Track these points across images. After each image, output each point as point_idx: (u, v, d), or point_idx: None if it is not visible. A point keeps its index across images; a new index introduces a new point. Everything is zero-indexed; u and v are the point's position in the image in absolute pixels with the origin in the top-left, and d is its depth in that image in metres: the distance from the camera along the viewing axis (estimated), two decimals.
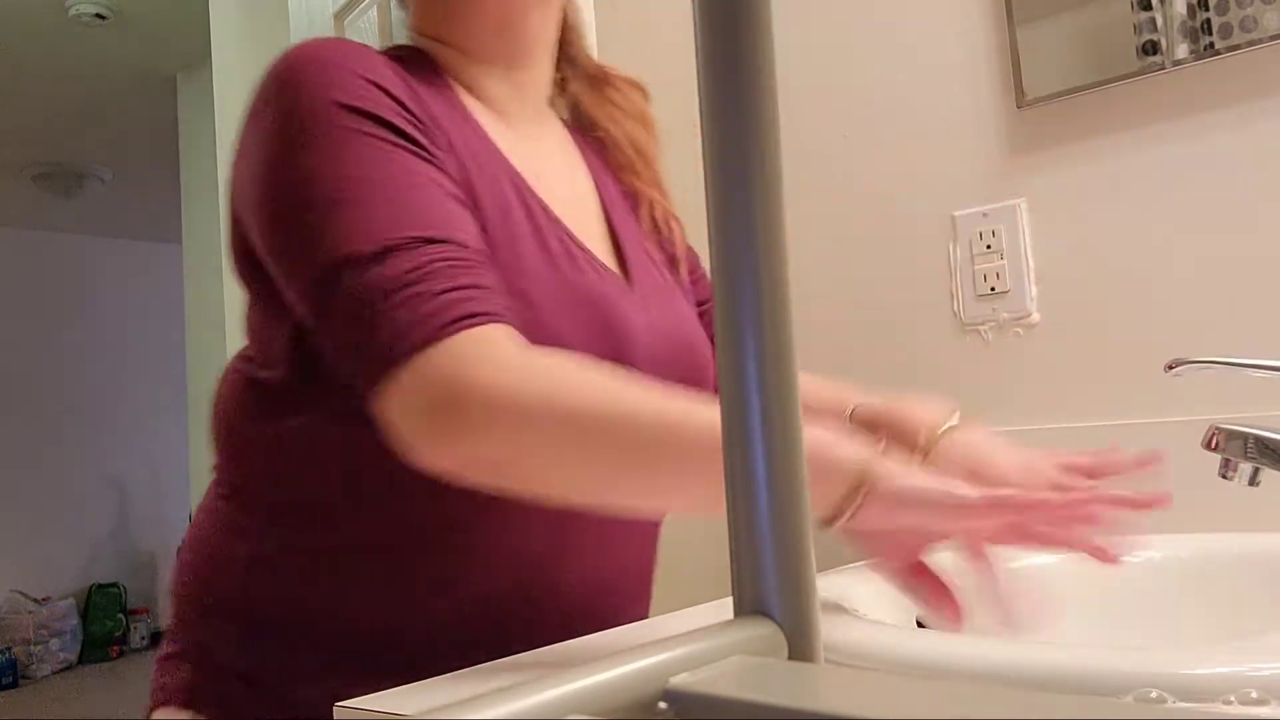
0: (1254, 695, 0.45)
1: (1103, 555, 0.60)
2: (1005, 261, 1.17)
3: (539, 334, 0.66)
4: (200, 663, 0.74)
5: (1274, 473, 0.77)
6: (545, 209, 0.77)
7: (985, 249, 1.19)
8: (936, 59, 1.24)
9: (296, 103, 0.65)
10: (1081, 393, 1.12)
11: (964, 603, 0.62)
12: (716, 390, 0.29)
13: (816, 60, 1.35)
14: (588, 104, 0.93)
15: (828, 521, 0.59)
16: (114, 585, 5.55)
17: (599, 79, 0.93)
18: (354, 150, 0.64)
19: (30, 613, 5.07)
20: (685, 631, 0.26)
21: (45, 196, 4.91)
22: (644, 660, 0.25)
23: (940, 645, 0.55)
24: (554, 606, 0.75)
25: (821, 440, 0.59)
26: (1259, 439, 0.78)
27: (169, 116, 3.79)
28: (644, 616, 0.84)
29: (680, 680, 0.24)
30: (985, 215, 1.19)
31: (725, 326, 0.28)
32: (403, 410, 0.59)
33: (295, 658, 0.71)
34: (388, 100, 0.67)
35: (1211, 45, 1.03)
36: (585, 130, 0.93)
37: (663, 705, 0.24)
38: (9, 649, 4.93)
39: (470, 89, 0.80)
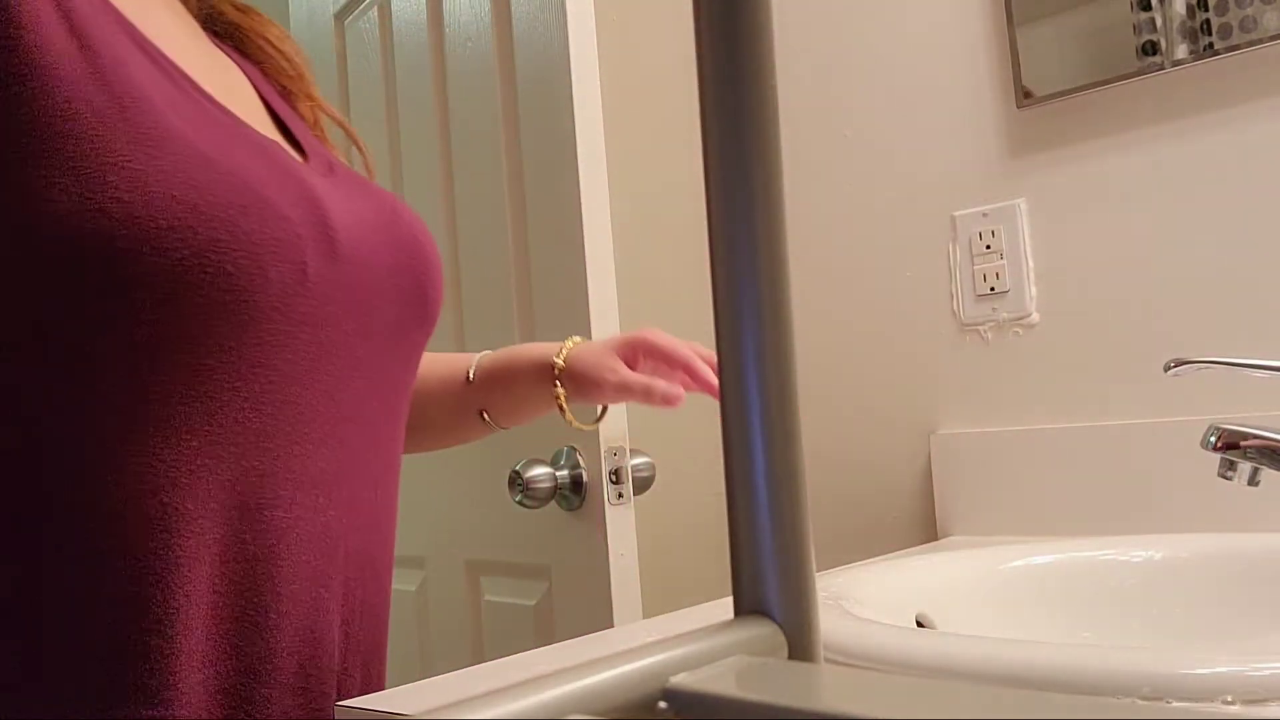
0: (1254, 695, 0.45)
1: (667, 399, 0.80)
2: (1005, 261, 1.18)
3: (231, 194, 0.56)
4: None
5: (1274, 473, 0.77)
6: (185, 74, 0.63)
7: (985, 249, 1.19)
8: (936, 59, 1.24)
9: None
10: (1081, 393, 1.12)
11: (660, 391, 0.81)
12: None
13: (816, 61, 1.35)
14: (230, 15, 0.80)
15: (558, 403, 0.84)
16: None
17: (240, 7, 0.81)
18: None
19: None
20: (685, 631, 0.26)
21: None
22: (644, 660, 0.25)
23: (940, 645, 0.55)
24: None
25: (537, 348, 0.84)
26: (1259, 439, 0.78)
27: None
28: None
29: (680, 680, 0.24)
30: (985, 215, 1.19)
31: (725, 326, 0.28)
32: None
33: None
34: None
35: (1211, 45, 1.03)
36: (224, 38, 0.79)
37: (663, 705, 0.24)
38: None
39: None
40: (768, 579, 0.27)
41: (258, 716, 0.60)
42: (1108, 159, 1.12)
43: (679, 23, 1.50)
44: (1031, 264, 1.16)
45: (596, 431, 1.11)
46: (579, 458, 1.14)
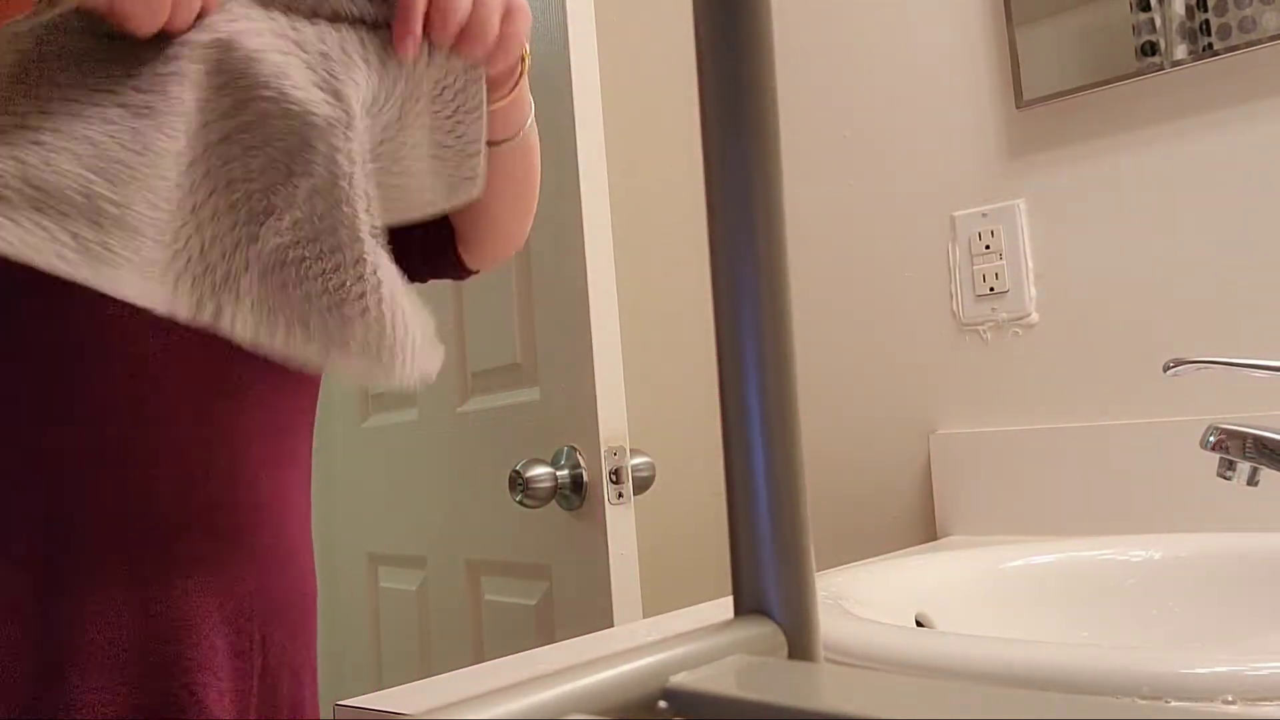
0: (1254, 695, 0.45)
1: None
2: (1004, 262, 1.18)
3: None
4: None
5: (1273, 472, 0.78)
6: None
7: (984, 249, 1.19)
8: (936, 60, 1.24)
9: None
10: (1080, 393, 1.13)
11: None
12: None
13: (816, 61, 1.35)
14: None
15: None
16: None
17: None
18: None
19: None
20: (685, 631, 0.26)
21: None
22: (644, 659, 0.25)
23: (940, 645, 0.55)
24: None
25: None
26: (1258, 439, 0.78)
27: None
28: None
29: (680, 679, 0.25)
30: (984, 215, 1.19)
31: (725, 326, 0.28)
32: None
33: None
34: None
35: (1210, 46, 1.03)
36: None
37: (663, 704, 0.24)
38: None
39: None
40: (768, 579, 0.27)
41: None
42: (1107, 159, 1.12)
43: (679, 23, 1.50)
44: (1031, 264, 1.17)
45: (597, 432, 1.12)
46: (579, 458, 1.14)
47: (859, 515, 1.29)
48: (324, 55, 0.56)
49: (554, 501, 1.16)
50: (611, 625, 1.09)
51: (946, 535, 1.19)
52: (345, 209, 0.54)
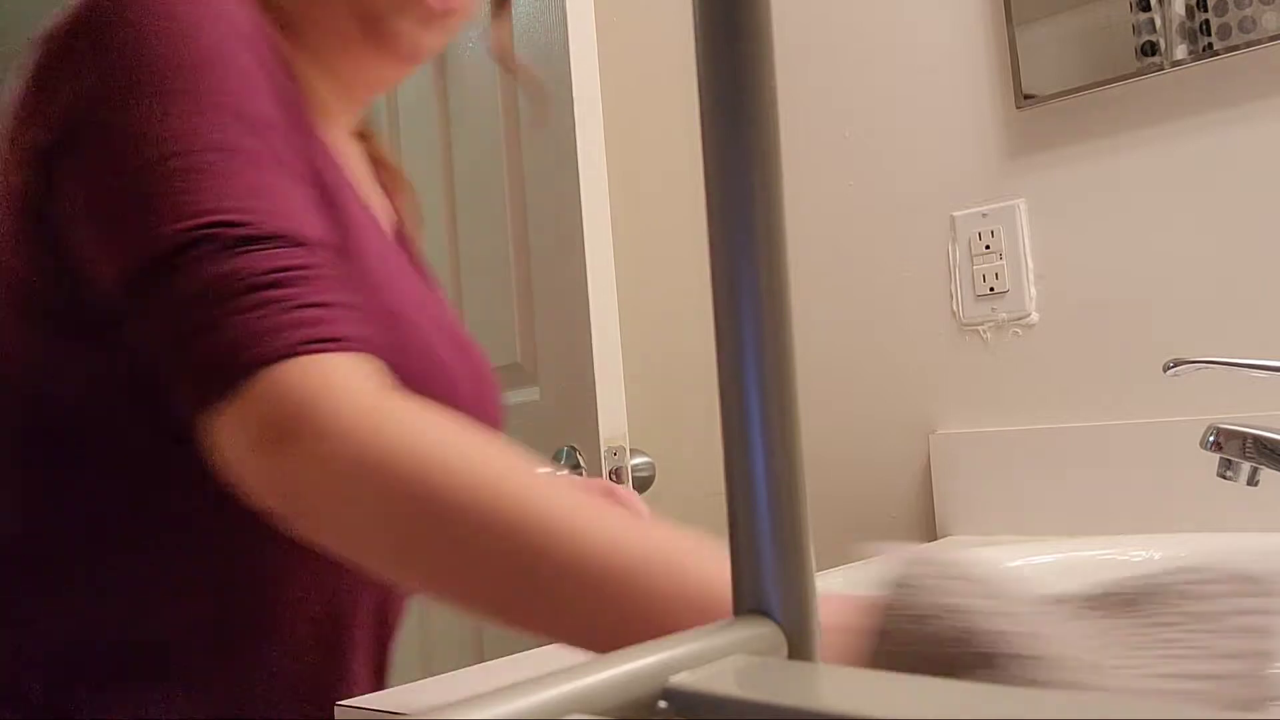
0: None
1: None
2: (1004, 262, 1.18)
3: (417, 359, 0.63)
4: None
5: (1273, 473, 0.78)
6: (375, 219, 0.70)
7: (984, 249, 1.19)
8: (936, 59, 1.24)
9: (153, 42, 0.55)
10: (1080, 393, 1.13)
11: None
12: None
13: (816, 60, 1.35)
14: (384, 166, 0.88)
15: None
16: None
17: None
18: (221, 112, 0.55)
19: None
20: (685, 631, 0.26)
21: None
22: (644, 659, 0.25)
23: None
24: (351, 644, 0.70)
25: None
26: (1258, 439, 0.78)
27: None
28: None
29: (680, 679, 0.25)
30: (984, 215, 1.19)
31: (725, 327, 0.28)
32: (239, 425, 0.49)
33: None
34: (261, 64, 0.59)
35: (1210, 46, 1.03)
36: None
37: (662, 704, 0.24)
38: None
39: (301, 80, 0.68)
40: (767, 579, 0.27)
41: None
42: (1107, 159, 1.12)
43: (679, 23, 1.50)
44: (1031, 264, 1.17)
45: (597, 432, 1.12)
46: (579, 458, 1.14)
47: (859, 515, 1.29)
48: None
49: None
50: None
51: (946, 535, 1.19)
52: None
